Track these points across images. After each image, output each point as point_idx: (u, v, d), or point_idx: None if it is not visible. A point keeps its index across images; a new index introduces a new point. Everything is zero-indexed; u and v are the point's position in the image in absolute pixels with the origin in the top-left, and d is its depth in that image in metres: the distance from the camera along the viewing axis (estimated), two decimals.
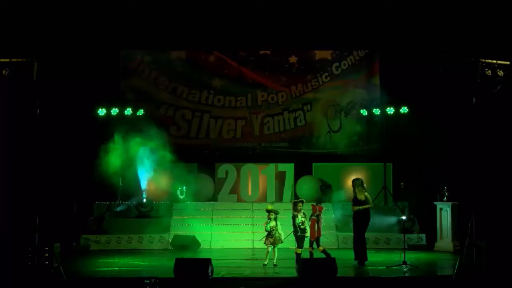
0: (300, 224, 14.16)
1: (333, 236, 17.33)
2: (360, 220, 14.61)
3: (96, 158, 17.60)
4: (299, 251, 14.18)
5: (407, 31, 18.94)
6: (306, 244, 14.31)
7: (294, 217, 14.25)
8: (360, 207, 14.54)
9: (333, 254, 14.10)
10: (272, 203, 15.23)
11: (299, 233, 14.18)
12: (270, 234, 14.30)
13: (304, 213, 14.24)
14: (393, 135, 19.27)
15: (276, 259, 14.28)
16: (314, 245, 14.35)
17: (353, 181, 14.93)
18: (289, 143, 20.90)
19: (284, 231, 14.65)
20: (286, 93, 21.01)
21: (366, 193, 14.71)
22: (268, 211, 14.46)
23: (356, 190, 14.67)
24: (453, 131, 17.57)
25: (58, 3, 17.85)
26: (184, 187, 18.74)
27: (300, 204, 14.29)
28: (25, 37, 16.60)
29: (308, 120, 21.00)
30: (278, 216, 14.51)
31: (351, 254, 15.63)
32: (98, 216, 18.02)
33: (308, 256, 14.06)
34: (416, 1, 18.46)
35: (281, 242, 14.35)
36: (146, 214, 18.23)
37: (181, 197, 18.74)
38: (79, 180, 18.30)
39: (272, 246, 14.29)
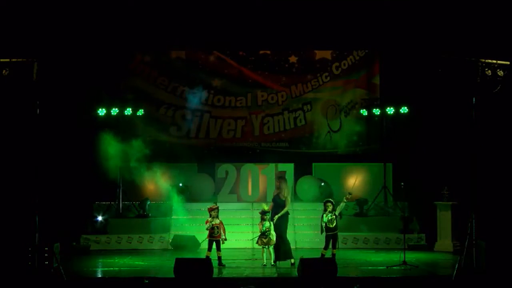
0: (327, 223, 14.18)
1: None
2: (282, 223, 14.42)
3: (96, 158, 17.58)
4: (324, 252, 14.21)
5: (407, 31, 18.94)
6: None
7: (322, 217, 14.30)
8: (280, 214, 14.28)
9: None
10: (267, 204, 15.09)
11: (325, 232, 14.23)
12: (264, 234, 14.30)
13: (333, 213, 14.25)
14: (393, 135, 19.26)
15: (273, 259, 14.28)
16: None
17: (281, 178, 14.79)
18: (289, 143, 20.87)
19: None
20: (286, 93, 20.98)
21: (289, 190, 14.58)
22: (263, 212, 14.46)
23: (282, 186, 14.46)
24: (453, 131, 17.56)
25: (58, 3, 17.84)
26: (181, 184, 18.78)
27: (329, 204, 14.30)
28: (25, 37, 16.58)
29: (308, 120, 20.96)
30: None
31: (351, 254, 15.66)
32: (98, 216, 18.01)
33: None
34: (416, 1, 18.45)
35: (274, 242, 14.35)
36: (146, 214, 18.22)
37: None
38: (79, 180, 18.30)
39: (267, 247, 14.32)
